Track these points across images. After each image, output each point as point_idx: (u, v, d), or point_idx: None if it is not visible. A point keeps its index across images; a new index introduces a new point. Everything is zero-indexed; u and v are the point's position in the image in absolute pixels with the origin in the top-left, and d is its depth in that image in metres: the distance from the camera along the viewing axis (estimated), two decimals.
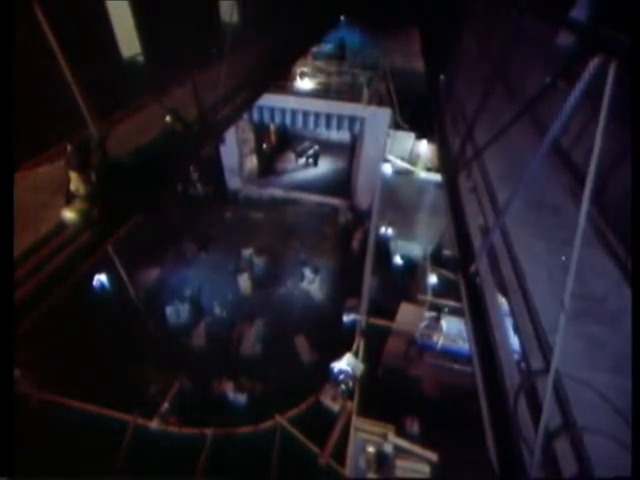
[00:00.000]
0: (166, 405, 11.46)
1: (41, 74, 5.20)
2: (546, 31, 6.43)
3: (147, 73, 9.21)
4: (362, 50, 24.06)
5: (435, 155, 15.98)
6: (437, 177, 14.67)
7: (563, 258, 3.98)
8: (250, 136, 21.86)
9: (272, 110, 18.96)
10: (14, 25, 3.87)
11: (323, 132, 24.69)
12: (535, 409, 3.06)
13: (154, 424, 10.96)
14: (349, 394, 10.97)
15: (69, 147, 4.41)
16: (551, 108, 3.37)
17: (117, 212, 5.38)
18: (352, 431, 10.13)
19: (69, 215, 4.55)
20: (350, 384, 10.96)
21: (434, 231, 16.22)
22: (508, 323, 3.94)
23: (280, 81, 17.88)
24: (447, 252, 15.48)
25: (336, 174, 24.17)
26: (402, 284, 15.74)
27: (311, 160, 24.53)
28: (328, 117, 18.71)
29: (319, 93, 18.97)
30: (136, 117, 7.83)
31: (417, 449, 10.21)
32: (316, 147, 24.61)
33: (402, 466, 9.91)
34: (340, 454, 9.95)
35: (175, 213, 19.53)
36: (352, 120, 18.64)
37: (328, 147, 25.58)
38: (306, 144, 24.83)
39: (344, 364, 10.93)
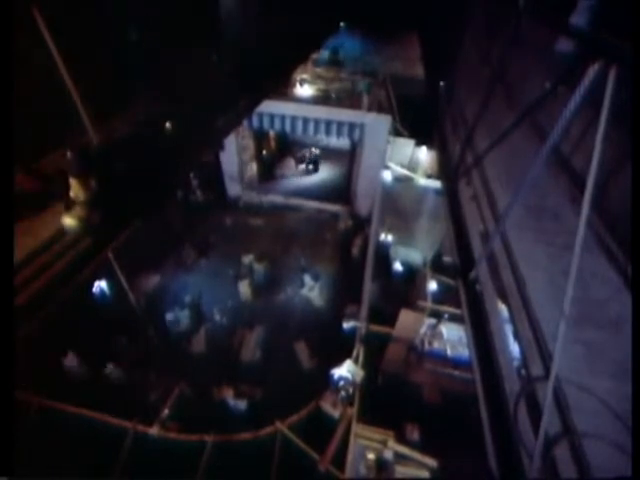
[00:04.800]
0: (166, 411, 11.44)
1: (41, 79, 5.21)
2: (546, 37, 6.46)
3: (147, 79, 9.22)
4: (362, 57, 24.11)
5: (435, 162, 16.00)
6: (437, 184, 14.67)
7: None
8: (250, 143, 21.87)
9: (272, 117, 18.96)
10: (13, 30, 3.88)
11: (323, 139, 24.75)
12: (535, 415, 3.06)
13: (154, 430, 10.92)
14: (349, 400, 10.94)
15: (69, 153, 4.41)
16: (551, 114, 3.38)
17: (117, 218, 5.38)
18: (352, 437, 10.10)
19: (69, 221, 4.54)
20: (350, 390, 10.93)
21: (434, 237, 16.22)
22: (508, 329, 3.94)
23: (280, 88, 17.88)
24: (447, 258, 15.47)
25: (336, 181, 24.15)
26: (402, 290, 15.71)
27: (311, 166, 24.57)
28: (328, 124, 18.70)
29: (319, 100, 18.98)
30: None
31: (417, 455, 10.18)
32: (317, 152, 24.74)
33: (402, 472, 9.88)
34: (340, 460, 9.91)
35: (175, 219, 19.54)
36: (352, 127, 18.63)
37: (328, 153, 25.60)
38: (306, 150, 24.91)
39: (344, 370, 10.91)
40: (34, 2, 4.12)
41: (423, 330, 12.14)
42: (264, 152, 24.10)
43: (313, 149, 24.94)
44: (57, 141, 5.39)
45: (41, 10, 4.20)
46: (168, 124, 6.97)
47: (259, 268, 17.19)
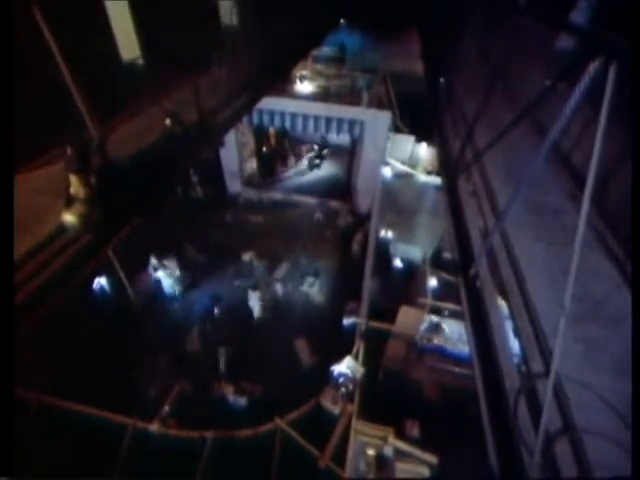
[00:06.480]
0: (166, 408, 11.43)
1: (42, 77, 5.21)
2: (546, 34, 6.45)
3: (147, 76, 9.21)
4: (362, 53, 24.08)
5: (435, 158, 15.98)
6: (437, 180, 14.65)
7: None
8: (250, 139, 21.87)
9: (272, 113, 18.93)
10: (14, 28, 3.87)
11: (323, 135, 24.73)
12: (535, 412, 3.06)
13: (154, 427, 10.93)
14: (349, 397, 10.95)
15: (69, 150, 4.41)
16: (551, 111, 3.38)
17: (117, 215, 5.38)
18: (352, 434, 10.11)
19: (69, 218, 4.55)
20: (350, 387, 10.94)
21: (434, 234, 16.18)
22: (508, 326, 3.94)
23: (280, 84, 17.86)
24: (447, 255, 15.45)
25: (336, 177, 24.18)
26: (402, 287, 15.70)
27: (316, 161, 24.52)
28: (328, 120, 18.69)
29: (319, 96, 18.97)
30: (136, 120, 7.83)
31: (417, 452, 10.18)
32: (324, 153, 24.81)
33: (402, 469, 9.88)
34: (340, 457, 9.92)
35: (175, 216, 19.51)
36: (352, 123, 18.62)
37: (328, 150, 25.57)
38: (307, 147, 24.92)
39: (344, 367, 10.92)
40: (34, 2, 4.12)
41: (423, 326, 12.13)
42: (264, 149, 24.09)
43: (316, 147, 24.96)
44: (57, 138, 5.39)
45: (41, 10, 4.20)
46: (168, 121, 6.97)
47: (259, 265, 17.19)
